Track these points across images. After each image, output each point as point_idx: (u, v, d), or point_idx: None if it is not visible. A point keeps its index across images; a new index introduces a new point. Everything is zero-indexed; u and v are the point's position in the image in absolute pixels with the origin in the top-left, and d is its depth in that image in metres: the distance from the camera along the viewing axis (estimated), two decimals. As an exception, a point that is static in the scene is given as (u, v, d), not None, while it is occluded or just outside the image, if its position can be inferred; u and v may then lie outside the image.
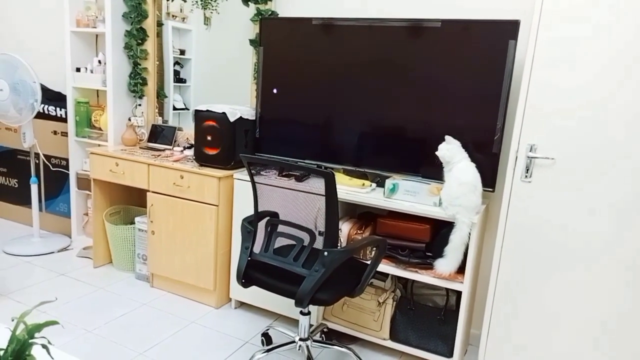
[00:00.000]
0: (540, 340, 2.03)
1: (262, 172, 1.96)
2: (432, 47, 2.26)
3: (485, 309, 2.12)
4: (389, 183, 2.23)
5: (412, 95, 2.34)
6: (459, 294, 2.21)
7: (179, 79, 3.22)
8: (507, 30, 2.09)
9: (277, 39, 2.63)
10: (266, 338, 2.40)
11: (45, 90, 3.43)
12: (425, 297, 2.36)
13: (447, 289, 2.30)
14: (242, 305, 2.78)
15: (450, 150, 2.08)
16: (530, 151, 1.94)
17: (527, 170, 1.95)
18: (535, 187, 1.95)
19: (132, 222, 3.06)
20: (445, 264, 2.07)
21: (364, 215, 2.54)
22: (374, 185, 2.40)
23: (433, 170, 2.27)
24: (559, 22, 1.83)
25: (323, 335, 2.48)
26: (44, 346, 0.82)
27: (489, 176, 2.21)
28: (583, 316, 1.94)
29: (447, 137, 2.10)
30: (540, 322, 2.02)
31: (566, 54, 1.83)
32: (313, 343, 2.20)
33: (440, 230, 2.15)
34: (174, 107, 3.26)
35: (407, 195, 2.20)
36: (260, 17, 2.73)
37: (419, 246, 2.20)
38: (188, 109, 3.23)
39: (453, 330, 2.22)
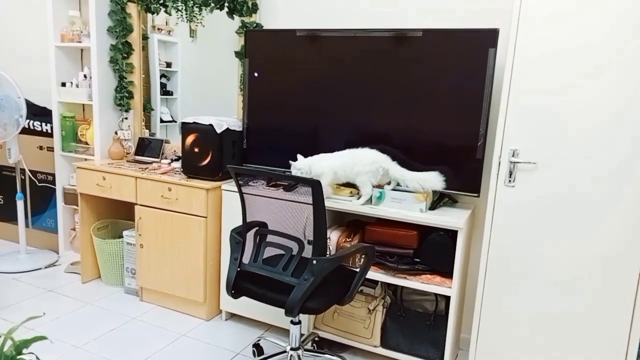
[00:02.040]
0: (530, 343, 2.05)
1: (250, 183, 1.97)
2: (414, 56, 2.30)
3: (474, 313, 2.14)
4: (376, 191, 2.26)
5: (397, 103, 2.37)
6: (447, 299, 2.23)
7: (165, 92, 3.23)
8: (487, 38, 2.14)
9: (262, 51, 2.65)
10: (257, 349, 2.40)
11: (30, 106, 3.42)
12: (415, 303, 2.38)
13: (436, 294, 2.32)
14: (232, 316, 2.77)
15: (303, 162, 2.30)
16: (512, 156, 1.97)
17: (511, 174, 1.99)
18: (519, 191, 1.99)
19: (120, 236, 3.05)
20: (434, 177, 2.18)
21: (352, 223, 2.55)
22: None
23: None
24: (537, 29, 1.87)
25: (314, 344, 2.48)
26: (32, 362, 0.83)
27: (474, 181, 2.25)
28: (571, 318, 1.97)
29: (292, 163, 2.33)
30: (530, 325, 2.04)
31: (546, 59, 1.88)
32: (304, 352, 2.20)
33: (428, 236, 2.18)
34: (161, 119, 3.26)
35: (394, 202, 2.22)
36: (245, 29, 2.75)
37: (407, 252, 2.22)
38: (175, 121, 3.23)
39: (443, 335, 2.24)
